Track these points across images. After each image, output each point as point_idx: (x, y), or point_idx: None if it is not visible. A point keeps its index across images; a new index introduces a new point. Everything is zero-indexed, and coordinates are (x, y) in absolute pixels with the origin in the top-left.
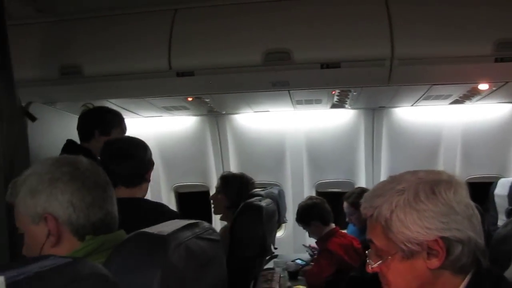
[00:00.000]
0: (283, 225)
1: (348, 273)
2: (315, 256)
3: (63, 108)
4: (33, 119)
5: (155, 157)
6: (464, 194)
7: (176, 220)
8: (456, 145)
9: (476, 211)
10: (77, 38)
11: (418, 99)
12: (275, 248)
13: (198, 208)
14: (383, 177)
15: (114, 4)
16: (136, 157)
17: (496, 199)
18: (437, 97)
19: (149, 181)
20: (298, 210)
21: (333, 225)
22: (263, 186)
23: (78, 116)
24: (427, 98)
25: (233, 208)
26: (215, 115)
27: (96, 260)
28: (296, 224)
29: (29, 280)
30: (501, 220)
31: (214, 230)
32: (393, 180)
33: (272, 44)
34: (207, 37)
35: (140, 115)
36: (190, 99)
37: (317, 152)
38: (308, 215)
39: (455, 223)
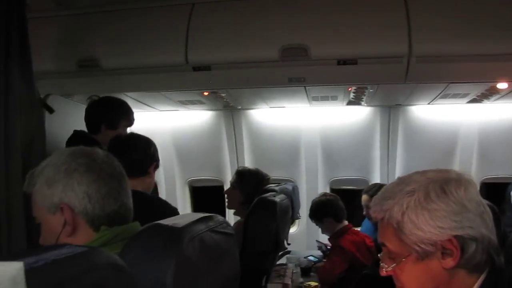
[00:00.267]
0: (297, 221)
1: (360, 271)
2: (328, 253)
3: (80, 100)
4: (51, 111)
5: (170, 151)
6: (474, 192)
7: (190, 213)
8: (473, 144)
9: (488, 208)
10: (95, 31)
11: (435, 98)
12: (288, 244)
13: (212, 202)
14: (398, 175)
15: None
16: (138, 149)
17: None
18: (455, 96)
19: (152, 176)
20: (311, 206)
21: (346, 222)
22: (278, 182)
23: None
24: (444, 96)
25: (247, 203)
26: (230, 110)
27: (111, 251)
28: (310, 221)
29: (46, 267)
30: None
31: (228, 224)
32: (402, 181)
33: (289, 40)
34: (224, 31)
35: (156, 109)
36: (206, 93)
37: (332, 149)
38: (321, 211)
39: (467, 221)
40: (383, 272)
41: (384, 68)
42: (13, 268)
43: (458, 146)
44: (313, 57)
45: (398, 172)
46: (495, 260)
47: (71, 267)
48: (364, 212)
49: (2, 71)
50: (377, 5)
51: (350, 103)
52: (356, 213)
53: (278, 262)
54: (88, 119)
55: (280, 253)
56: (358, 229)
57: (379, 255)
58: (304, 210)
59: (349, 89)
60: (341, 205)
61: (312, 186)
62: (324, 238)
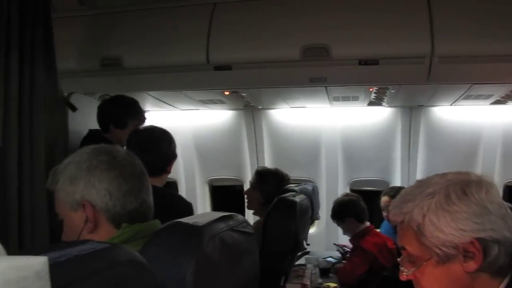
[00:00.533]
0: (316, 222)
1: (380, 273)
2: (347, 255)
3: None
4: (73, 109)
5: (191, 150)
6: (496, 194)
7: (210, 212)
8: (496, 146)
9: (509, 211)
10: (117, 30)
11: (458, 99)
12: (308, 245)
13: (231, 201)
14: (419, 176)
15: None
16: (161, 149)
17: None
18: (478, 97)
19: (169, 172)
20: (333, 206)
21: (367, 223)
22: (297, 182)
23: None
24: (467, 97)
25: (267, 204)
26: (251, 110)
27: (131, 248)
28: (329, 221)
29: (69, 262)
30: None
31: (248, 223)
32: (421, 184)
33: (310, 40)
34: (245, 31)
35: (177, 108)
36: (227, 93)
37: (353, 150)
38: (343, 211)
39: (489, 223)
40: (404, 277)
41: (406, 68)
42: (38, 262)
43: (480, 148)
44: (334, 57)
45: (419, 173)
46: None
47: (94, 262)
48: (385, 214)
49: (27, 70)
50: (399, 4)
51: (371, 103)
52: (375, 215)
53: (297, 263)
54: (98, 118)
55: (299, 254)
56: (378, 230)
57: (398, 259)
58: (323, 211)
59: (370, 89)
60: (363, 206)
61: (332, 187)
62: (342, 241)
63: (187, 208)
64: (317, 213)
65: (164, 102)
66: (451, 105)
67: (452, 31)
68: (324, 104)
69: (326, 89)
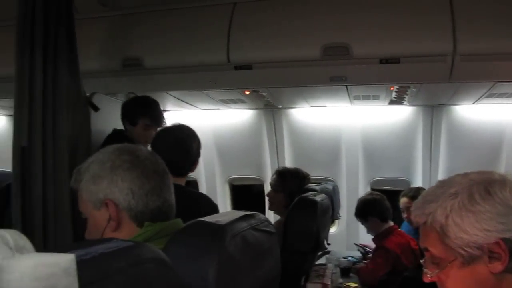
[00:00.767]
0: (336, 221)
1: (402, 274)
2: (368, 255)
3: (124, 99)
4: (95, 109)
5: (211, 149)
6: None
7: (232, 211)
8: None
9: None
10: (138, 31)
11: (480, 97)
12: (328, 244)
13: (252, 200)
14: (440, 176)
15: None
16: (188, 150)
17: None
18: (501, 95)
19: (193, 171)
20: (357, 205)
21: (391, 223)
22: (318, 181)
23: None
24: (490, 96)
25: (290, 205)
26: (271, 109)
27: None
28: (350, 221)
29: (95, 259)
30: None
31: (269, 222)
32: (443, 184)
33: (331, 38)
34: (265, 30)
35: (197, 107)
36: (247, 92)
37: (373, 149)
38: (367, 210)
39: None
40: (428, 279)
41: (427, 67)
42: (66, 260)
43: (503, 147)
44: (355, 55)
45: (441, 173)
46: None
47: (118, 260)
48: (405, 215)
49: (51, 70)
50: (420, 2)
51: (392, 102)
52: (396, 215)
53: (317, 262)
54: (121, 116)
55: (319, 253)
56: (401, 230)
57: (421, 261)
58: (344, 210)
59: (391, 88)
60: (387, 205)
61: (352, 186)
62: (363, 240)
63: (213, 210)
64: (338, 213)
65: (185, 102)
66: (473, 103)
67: (474, 29)
68: (345, 103)
69: (347, 88)
